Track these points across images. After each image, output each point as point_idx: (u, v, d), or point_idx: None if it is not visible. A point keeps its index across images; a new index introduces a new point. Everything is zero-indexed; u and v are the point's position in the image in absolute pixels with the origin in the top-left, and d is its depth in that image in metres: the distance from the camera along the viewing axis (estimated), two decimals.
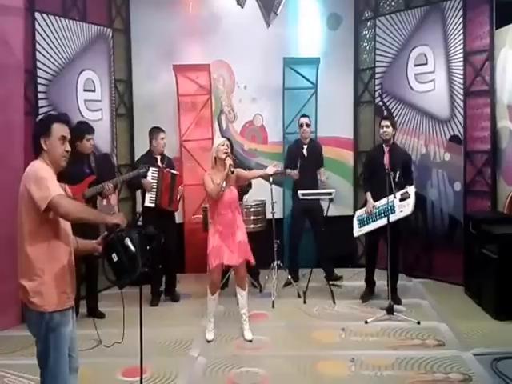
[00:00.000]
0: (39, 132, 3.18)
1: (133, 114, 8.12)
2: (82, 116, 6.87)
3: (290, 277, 6.95)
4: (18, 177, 3.21)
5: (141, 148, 7.28)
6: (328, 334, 5.61)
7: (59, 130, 3.19)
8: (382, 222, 6.06)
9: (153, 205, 6.42)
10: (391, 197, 5.89)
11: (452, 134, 7.11)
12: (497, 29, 6.60)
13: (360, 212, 6.49)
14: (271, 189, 6.83)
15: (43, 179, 3.02)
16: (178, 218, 7.31)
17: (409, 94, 7.58)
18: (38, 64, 6.35)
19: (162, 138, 6.60)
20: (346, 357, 4.97)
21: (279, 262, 6.89)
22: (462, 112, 6.99)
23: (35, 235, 3.07)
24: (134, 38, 8.03)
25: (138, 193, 7.03)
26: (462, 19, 6.91)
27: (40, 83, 6.36)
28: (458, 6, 6.93)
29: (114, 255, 3.13)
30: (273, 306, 6.40)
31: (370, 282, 6.61)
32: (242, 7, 7.05)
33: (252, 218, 6.71)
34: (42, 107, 6.34)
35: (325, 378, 4.65)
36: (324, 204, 6.86)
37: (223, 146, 5.37)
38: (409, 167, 6.43)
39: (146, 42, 7.97)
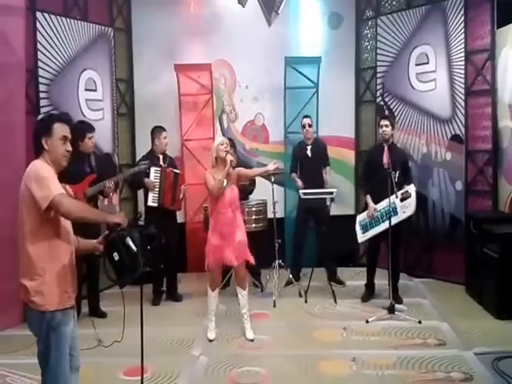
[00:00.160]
0: (40, 131, 3.18)
1: (134, 114, 8.13)
2: (84, 115, 6.88)
3: (291, 276, 6.97)
4: (19, 176, 3.20)
5: (142, 148, 7.29)
6: (329, 333, 5.62)
7: (60, 129, 3.19)
8: (386, 225, 5.99)
9: (156, 204, 6.42)
10: (393, 197, 5.89)
11: (453, 133, 7.11)
12: (498, 28, 6.60)
13: (362, 217, 6.44)
14: (272, 188, 6.83)
15: (44, 178, 3.03)
16: (180, 218, 7.30)
17: (410, 93, 7.58)
18: (40, 63, 6.36)
19: (165, 137, 6.60)
20: (348, 356, 4.97)
21: (280, 261, 6.88)
22: (463, 111, 6.99)
23: (36, 234, 3.07)
24: (135, 37, 8.03)
25: (140, 192, 7.04)
26: (463, 18, 6.90)
27: (41, 83, 6.37)
28: (459, 6, 6.93)
29: (115, 254, 3.14)
30: (274, 306, 6.40)
31: (369, 284, 6.61)
32: (244, 6, 7.07)
33: (253, 217, 6.70)
34: (43, 107, 6.35)
35: (326, 377, 4.65)
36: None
37: (222, 145, 5.38)
38: (408, 167, 6.44)
39: (148, 41, 7.96)
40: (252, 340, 5.44)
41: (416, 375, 4.58)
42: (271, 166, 5.51)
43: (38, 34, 6.33)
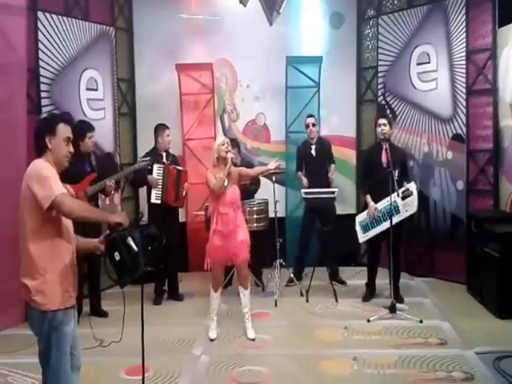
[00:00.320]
0: (44, 130, 3.18)
1: (135, 113, 8.14)
2: (85, 115, 6.88)
3: (292, 275, 6.98)
4: (20, 175, 3.20)
5: (144, 147, 7.28)
6: (330, 332, 5.62)
7: (64, 130, 3.20)
8: (387, 224, 5.98)
9: (159, 201, 6.43)
10: (394, 195, 5.88)
11: (454, 132, 7.11)
12: (499, 27, 6.59)
13: (361, 217, 6.41)
14: (274, 188, 6.84)
15: (46, 178, 3.03)
16: (181, 217, 7.31)
17: (411, 92, 7.58)
18: (41, 63, 6.35)
19: (168, 135, 6.61)
20: (349, 355, 4.97)
21: (282, 260, 6.89)
22: (464, 111, 6.98)
23: (38, 234, 3.08)
24: (136, 36, 8.04)
25: (142, 192, 7.05)
26: (464, 18, 6.89)
27: (42, 82, 6.37)
28: (460, 5, 6.92)
29: (116, 254, 3.14)
30: (275, 305, 6.40)
31: (370, 284, 6.60)
32: (245, 6, 7.07)
33: (255, 216, 6.70)
34: (44, 106, 6.35)
35: (327, 376, 4.66)
36: None
37: (224, 145, 5.39)
38: (407, 166, 6.44)
39: (149, 41, 7.97)
40: (253, 339, 5.44)
41: (417, 374, 4.58)
42: (272, 164, 5.51)
43: (39, 33, 6.33)
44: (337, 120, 8.17)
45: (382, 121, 6.28)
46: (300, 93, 8.01)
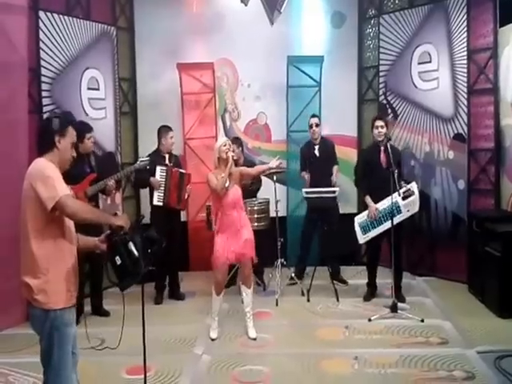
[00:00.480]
0: (54, 129, 3.17)
1: (137, 113, 8.14)
2: (86, 114, 6.90)
3: (293, 274, 6.97)
4: (21, 175, 3.20)
5: (145, 146, 7.30)
6: (332, 331, 5.62)
7: (72, 134, 3.23)
8: (388, 224, 5.99)
9: (161, 203, 6.42)
10: (395, 195, 5.87)
11: (456, 132, 7.10)
12: (500, 27, 6.58)
13: (361, 218, 6.38)
14: (275, 187, 6.84)
15: (50, 178, 3.03)
16: (183, 217, 7.31)
17: (413, 92, 7.57)
18: (42, 62, 6.36)
19: (171, 137, 6.60)
20: (350, 355, 4.97)
21: (283, 260, 6.89)
22: (465, 110, 6.98)
23: (41, 234, 3.07)
24: (137, 36, 8.04)
25: (143, 191, 7.04)
26: (465, 17, 6.89)
27: (44, 81, 6.38)
28: (461, 4, 6.92)
29: (117, 258, 3.15)
30: (276, 304, 6.41)
31: (371, 283, 6.60)
32: (246, 5, 7.08)
33: (256, 216, 6.69)
34: (45, 105, 6.36)
35: (328, 375, 4.66)
36: None
37: (225, 146, 5.40)
38: (401, 164, 6.44)
39: (150, 40, 7.97)
40: (254, 339, 5.44)
41: (418, 374, 4.59)
42: (273, 163, 5.51)
43: (40, 32, 6.33)
44: (338, 119, 8.14)
45: (380, 123, 6.27)
46: (301, 92, 8.00)
